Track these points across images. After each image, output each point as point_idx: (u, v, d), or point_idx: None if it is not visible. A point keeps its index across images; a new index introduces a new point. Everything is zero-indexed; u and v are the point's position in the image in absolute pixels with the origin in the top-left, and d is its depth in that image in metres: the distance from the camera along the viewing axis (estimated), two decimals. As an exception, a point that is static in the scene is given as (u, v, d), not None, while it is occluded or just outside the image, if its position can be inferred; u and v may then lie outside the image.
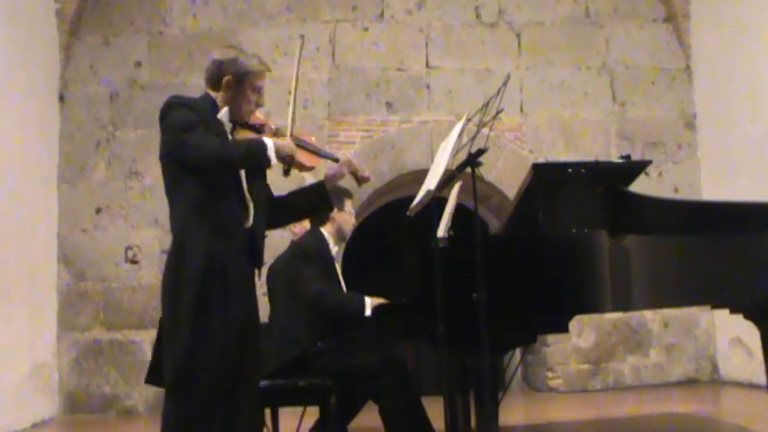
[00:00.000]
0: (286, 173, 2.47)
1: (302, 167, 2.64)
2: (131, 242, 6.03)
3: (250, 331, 2.46)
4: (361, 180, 2.85)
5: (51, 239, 5.93)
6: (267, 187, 2.61)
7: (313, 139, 2.77)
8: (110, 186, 6.10)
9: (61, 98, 6.15)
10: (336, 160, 2.75)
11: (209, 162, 2.32)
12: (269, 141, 2.37)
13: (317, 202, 2.72)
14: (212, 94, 2.51)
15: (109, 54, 6.23)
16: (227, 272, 2.37)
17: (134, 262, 6.02)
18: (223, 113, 2.48)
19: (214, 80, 2.49)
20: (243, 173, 2.49)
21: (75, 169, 6.09)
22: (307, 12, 6.39)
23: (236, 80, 2.46)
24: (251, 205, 2.47)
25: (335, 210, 3.66)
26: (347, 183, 3.39)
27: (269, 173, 2.62)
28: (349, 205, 3.80)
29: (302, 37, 2.74)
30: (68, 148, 6.11)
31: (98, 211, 6.07)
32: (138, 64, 6.24)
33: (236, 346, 2.38)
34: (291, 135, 2.55)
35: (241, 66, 2.48)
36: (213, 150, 2.32)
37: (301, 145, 2.66)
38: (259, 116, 2.62)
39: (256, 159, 2.38)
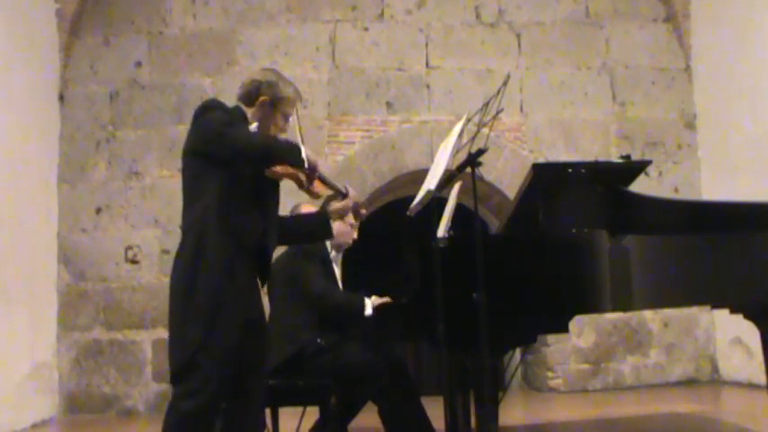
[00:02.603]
0: (304, 185, 2.51)
1: (310, 192, 2.68)
2: (131, 242, 6.03)
3: (256, 332, 2.53)
4: (357, 216, 2.92)
5: (51, 239, 5.93)
6: (278, 205, 2.68)
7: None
8: (110, 186, 6.10)
9: (61, 98, 6.15)
10: (345, 194, 2.80)
11: (255, 149, 2.42)
12: (301, 147, 2.45)
13: (318, 230, 2.82)
14: (243, 108, 2.60)
15: (109, 54, 6.23)
16: (235, 273, 2.42)
17: (134, 262, 6.02)
18: (253, 127, 2.56)
19: (250, 97, 2.58)
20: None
21: (76, 169, 6.09)
22: (307, 12, 6.39)
23: (270, 102, 2.56)
24: (267, 216, 2.55)
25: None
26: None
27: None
28: (350, 217, 3.77)
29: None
30: (68, 148, 6.11)
31: (98, 211, 6.07)
32: (138, 64, 6.24)
33: (241, 345, 2.43)
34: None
35: (279, 91, 2.57)
36: (259, 140, 2.46)
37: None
38: None
39: (293, 158, 2.45)
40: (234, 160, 2.41)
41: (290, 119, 2.67)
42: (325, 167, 6.05)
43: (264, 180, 2.54)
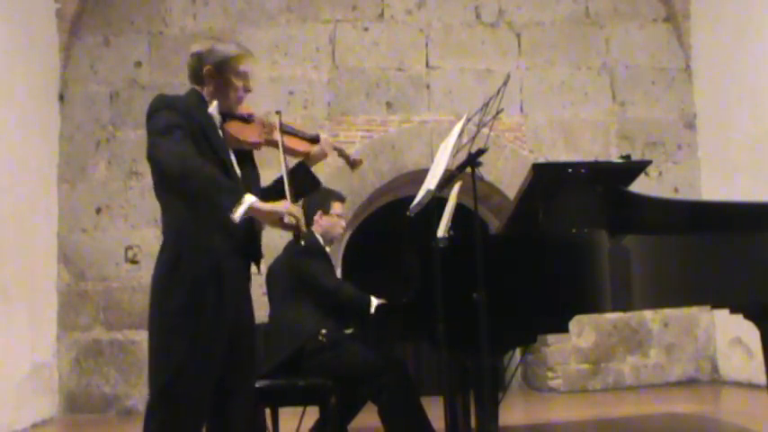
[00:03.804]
0: (296, 237, 2.28)
1: (294, 153, 2.63)
2: (131, 242, 6.03)
3: (243, 332, 2.39)
4: (353, 164, 2.85)
5: (51, 239, 5.93)
6: (259, 179, 2.53)
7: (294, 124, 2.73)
8: (110, 186, 6.10)
9: (61, 98, 6.15)
10: (315, 139, 2.69)
11: (171, 172, 2.17)
12: (250, 198, 2.14)
13: (303, 182, 2.64)
14: (197, 88, 2.45)
15: (109, 54, 6.23)
16: (221, 272, 2.28)
17: (134, 262, 6.02)
18: (213, 107, 2.41)
19: (197, 74, 2.43)
20: (235, 164, 2.41)
21: (76, 169, 6.09)
22: (307, 12, 6.39)
23: (216, 69, 2.40)
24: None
25: (320, 213, 3.73)
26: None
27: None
28: (337, 208, 3.82)
29: (279, 113, 2.63)
30: (68, 148, 6.11)
31: (98, 211, 6.07)
32: (138, 64, 6.24)
33: (227, 349, 2.30)
34: (279, 130, 2.50)
35: (219, 53, 2.41)
36: (178, 162, 2.15)
37: (288, 131, 2.63)
38: (247, 106, 2.56)
39: (217, 200, 2.14)
40: (164, 176, 2.21)
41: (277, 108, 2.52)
42: (325, 167, 6.07)
43: (238, 156, 2.42)
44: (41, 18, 5.86)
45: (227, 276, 2.30)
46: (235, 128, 2.45)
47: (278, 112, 2.62)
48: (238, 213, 2.11)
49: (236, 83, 2.42)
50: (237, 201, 2.12)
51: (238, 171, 2.42)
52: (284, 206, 2.19)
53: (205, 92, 2.43)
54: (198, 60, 2.42)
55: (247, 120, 2.51)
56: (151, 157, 2.25)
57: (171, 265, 2.27)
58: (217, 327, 2.27)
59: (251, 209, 2.12)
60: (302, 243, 2.29)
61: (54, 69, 6.06)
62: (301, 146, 2.65)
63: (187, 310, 2.23)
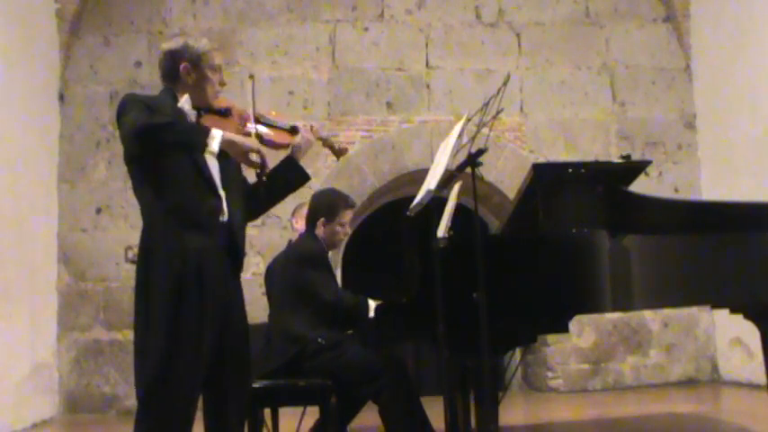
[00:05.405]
0: (258, 176, 2.31)
1: (275, 146, 2.57)
2: (131, 242, 6.02)
3: (234, 333, 2.35)
4: (339, 153, 2.80)
5: (51, 239, 5.93)
6: (241, 176, 2.52)
7: (274, 113, 2.67)
8: (110, 186, 6.09)
9: (61, 98, 6.15)
10: (295, 129, 2.63)
11: (132, 132, 2.19)
12: (218, 132, 2.20)
13: (292, 176, 2.61)
14: (170, 86, 2.44)
15: (109, 54, 6.23)
16: (202, 272, 2.25)
17: (134, 262, 5.97)
18: (183, 101, 2.39)
19: (172, 72, 2.42)
20: (214, 163, 2.36)
21: (76, 169, 6.09)
22: (307, 12, 6.39)
23: (192, 65, 2.40)
24: (224, 197, 2.35)
25: (323, 220, 3.66)
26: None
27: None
28: (346, 216, 3.72)
29: (251, 77, 2.63)
30: (68, 148, 6.11)
31: (98, 211, 6.07)
32: (138, 64, 6.24)
33: (218, 350, 2.28)
34: (254, 117, 2.47)
35: (193, 49, 2.42)
36: (137, 121, 2.17)
37: (267, 123, 2.58)
38: (222, 100, 2.54)
39: (188, 138, 2.20)
40: (134, 146, 2.23)
41: (249, 93, 2.49)
42: (324, 168, 6.09)
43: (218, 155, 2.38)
44: (41, 18, 5.86)
45: (207, 276, 2.26)
46: (211, 123, 2.42)
47: (251, 76, 2.60)
48: (215, 144, 2.17)
49: (212, 77, 2.43)
50: (207, 135, 2.18)
51: (215, 163, 2.38)
52: (255, 141, 2.24)
53: (179, 89, 2.42)
54: (172, 58, 2.42)
55: (224, 114, 2.48)
56: (121, 140, 2.28)
57: (145, 269, 2.30)
58: (200, 328, 2.24)
59: (224, 140, 2.20)
60: (264, 179, 2.31)
61: (54, 69, 6.06)
62: (280, 137, 2.59)
63: (165, 313, 2.22)
